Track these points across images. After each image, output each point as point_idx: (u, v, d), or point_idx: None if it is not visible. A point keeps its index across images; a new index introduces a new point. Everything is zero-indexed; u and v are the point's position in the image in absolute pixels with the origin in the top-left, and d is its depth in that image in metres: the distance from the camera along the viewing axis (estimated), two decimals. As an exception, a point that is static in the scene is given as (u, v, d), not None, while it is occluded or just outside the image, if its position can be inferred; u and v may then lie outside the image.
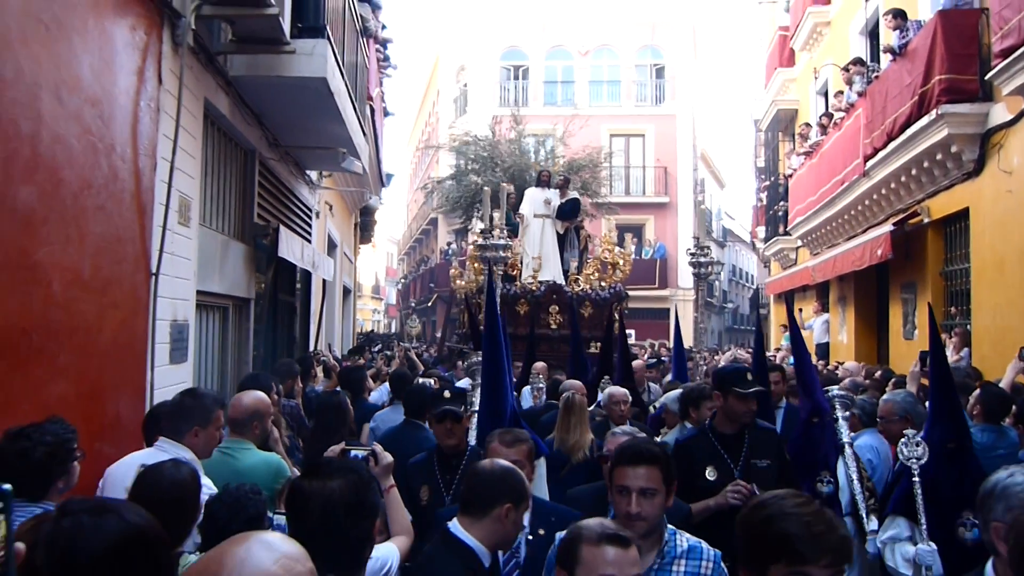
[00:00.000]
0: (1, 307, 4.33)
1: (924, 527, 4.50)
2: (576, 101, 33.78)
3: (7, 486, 1.46)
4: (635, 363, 11.62)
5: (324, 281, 15.57)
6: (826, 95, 20.38)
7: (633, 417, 7.44)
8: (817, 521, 2.34)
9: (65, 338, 5.03)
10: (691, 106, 35.96)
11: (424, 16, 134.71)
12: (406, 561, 3.72)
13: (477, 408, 6.31)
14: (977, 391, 6.43)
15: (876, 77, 14.32)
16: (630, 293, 16.77)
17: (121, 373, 5.91)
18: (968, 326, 11.64)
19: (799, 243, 21.44)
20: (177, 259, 6.90)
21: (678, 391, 7.43)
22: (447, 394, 5.21)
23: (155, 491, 3.21)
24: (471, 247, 17.12)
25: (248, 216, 9.96)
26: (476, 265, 15.58)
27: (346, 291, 23.05)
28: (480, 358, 6.95)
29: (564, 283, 15.17)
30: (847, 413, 6.08)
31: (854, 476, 5.71)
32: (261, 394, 5.28)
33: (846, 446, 5.84)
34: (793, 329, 7.33)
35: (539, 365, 10.22)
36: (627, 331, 11.45)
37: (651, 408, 9.37)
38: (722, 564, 3.52)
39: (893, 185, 13.77)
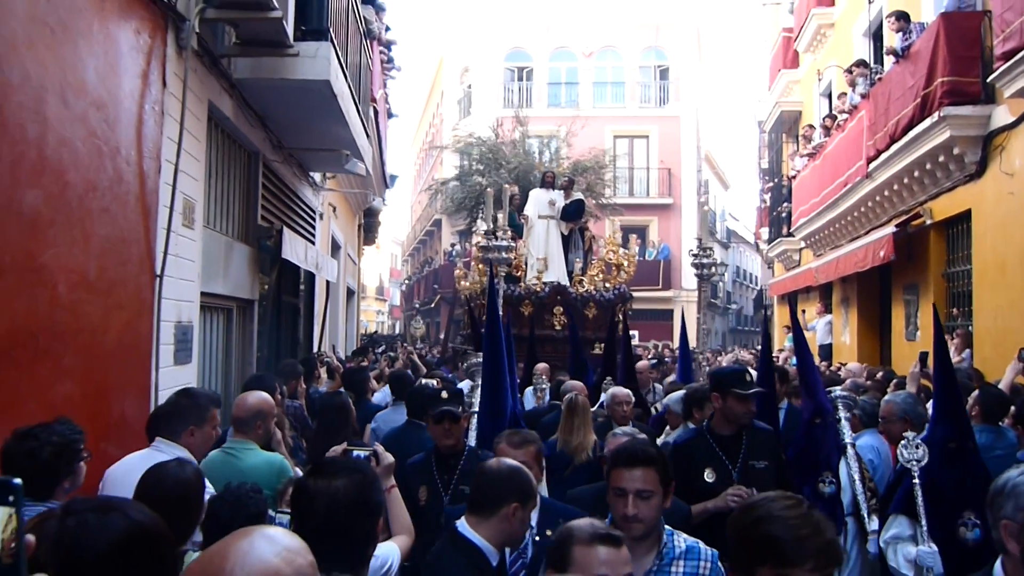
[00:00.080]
0: (8, 309, 4.36)
1: (925, 529, 4.52)
2: (580, 102, 33.83)
3: (17, 480, 1.50)
4: (640, 364, 11.67)
5: (328, 282, 15.58)
6: (830, 97, 20.40)
7: (635, 418, 7.47)
8: (803, 524, 2.35)
9: (71, 339, 5.07)
10: (695, 107, 35.95)
11: (428, 18, 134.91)
12: (405, 560, 3.75)
13: (476, 409, 6.33)
14: (976, 392, 6.45)
15: (879, 79, 14.31)
16: (634, 294, 16.76)
17: (126, 374, 5.94)
18: (970, 327, 11.66)
19: (802, 244, 21.44)
20: (181, 261, 6.93)
21: (681, 392, 7.46)
22: (444, 395, 5.24)
23: (160, 490, 3.23)
24: (475, 248, 17.14)
25: (252, 218, 9.98)
26: (480, 266, 15.60)
27: (350, 292, 23.03)
28: (478, 359, 6.99)
29: (569, 284, 15.19)
30: (849, 414, 6.12)
31: (856, 476, 5.74)
32: (265, 394, 5.30)
33: (848, 446, 5.88)
34: (796, 330, 7.37)
35: (541, 366, 10.24)
36: (631, 332, 11.48)
37: (654, 409, 9.39)
38: (719, 564, 3.52)
39: (896, 187, 13.77)
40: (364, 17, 11.47)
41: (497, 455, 4.25)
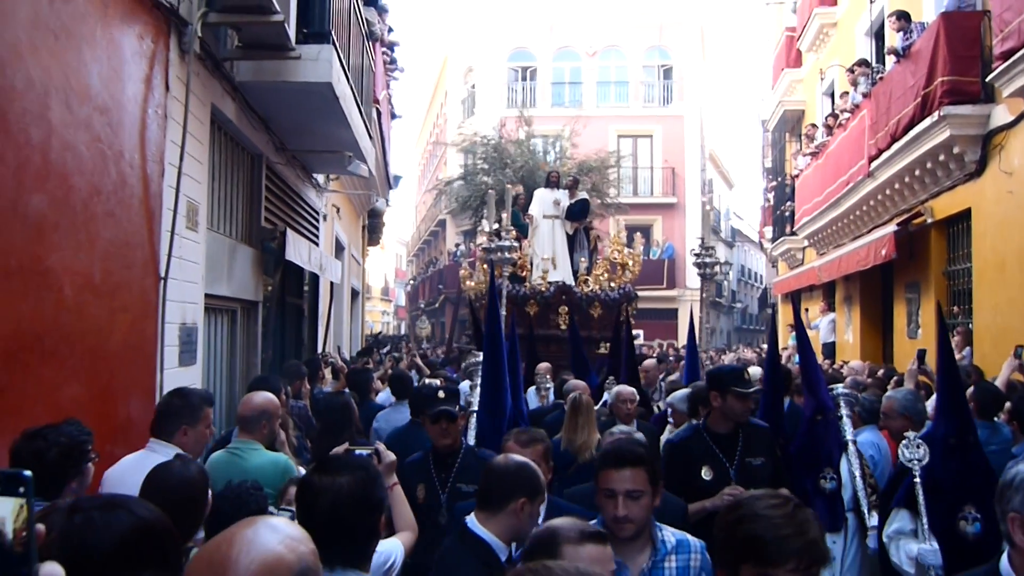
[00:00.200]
0: (14, 312, 4.41)
1: (927, 527, 4.55)
2: (584, 102, 33.84)
3: (27, 472, 1.55)
4: (647, 362, 11.72)
5: (332, 283, 15.61)
6: (832, 96, 20.40)
7: (639, 416, 7.51)
8: (786, 524, 2.35)
9: (76, 342, 5.11)
10: (699, 107, 35.93)
11: (432, 18, 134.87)
12: (407, 558, 3.80)
13: (475, 408, 6.36)
14: (971, 388, 6.50)
15: (880, 78, 14.34)
16: (638, 294, 16.77)
17: (131, 376, 5.98)
18: (970, 325, 11.71)
19: (805, 243, 21.45)
20: (185, 263, 6.97)
21: (685, 391, 7.49)
22: (441, 394, 5.26)
23: (165, 489, 3.25)
24: (479, 249, 17.16)
25: (255, 220, 10.01)
26: (484, 267, 15.61)
27: (354, 293, 23.04)
28: (476, 359, 7.02)
29: (574, 284, 15.21)
30: (850, 411, 6.17)
31: (857, 473, 5.78)
32: (271, 394, 5.32)
33: (849, 443, 5.92)
34: (799, 328, 7.41)
35: (544, 366, 10.27)
36: (636, 332, 11.51)
37: (656, 408, 9.42)
38: (707, 554, 3.53)
39: (897, 186, 13.80)
40: (366, 19, 11.49)
41: (504, 453, 4.27)
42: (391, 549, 3.55)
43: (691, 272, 26.53)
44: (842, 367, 13.57)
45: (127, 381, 5.90)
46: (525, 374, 9.93)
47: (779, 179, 24.86)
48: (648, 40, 35.45)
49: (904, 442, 4.83)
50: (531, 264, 15.52)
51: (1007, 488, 2.91)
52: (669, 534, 3.59)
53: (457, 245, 36.03)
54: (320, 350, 14.25)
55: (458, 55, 38.79)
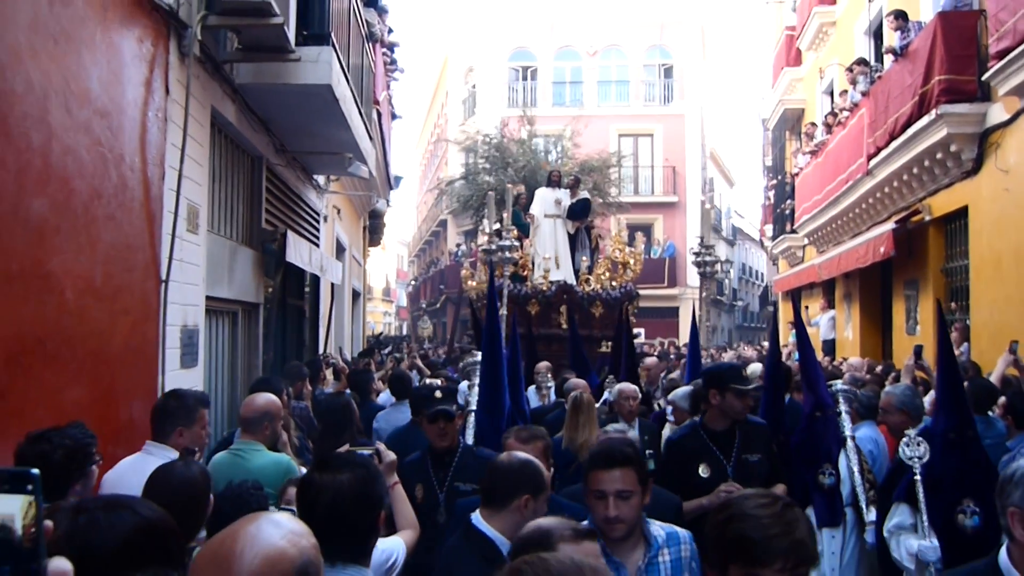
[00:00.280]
0: (16, 315, 4.43)
1: (927, 524, 4.58)
2: (584, 101, 33.83)
3: (35, 470, 1.59)
4: (649, 360, 11.75)
5: (332, 285, 15.61)
6: (832, 95, 20.43)
7: (640, 415, 7.54)
8: (773, 524, 2.33)
9: (78, 345, 5.12)
10: (699, 106, 35.95)
11: (432, 18, 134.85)
12: (408, 556, 3.82)
13: (474, 407, 6.39)
14: (965, 384, 6.55)
15: (879, 77, 14.38)
16: (639, 292, 16.78)
17: (133, 378, 5.99)
18: (968, 321, 11.76)
19: (805, 241, 21.49)
20: (186, 265, 6.97)
21: (687, 388, 7.52)
22: (438, 394, 5.28)
23: (167, 489, 3.27)
24: (480, 249, 17.17)
25: (256, 222, 10.01)
26: (485, 266, 15.61)
27: (355, 294, 23.03)
28: (474, 358, 7.04)
29: (575, 283, 15.22)
30: (848, 407, 6.20)
31: (855, 468, 5.82)
32: (273, 396, 5.34)
33: (848, 439, 5.96)
34: (798, 326, 7.45)
35: (544, 365, 10.28)
36: (637, 330, 11.53)
37: (657, 405, 9.44)
38: (694, 544, 3.56)
39: (895, 184, 13.85)
40: (366, 20, 11.49)
41: (505, 450, 4.30)
42: (393, 547, 3.58)
43: (692, 271, 26.51)
44: (842, 364, 13.60)
45: (129, 384, 5.90)
46: (525, 373, 9.99)
47: (779, 177, 24.89)
48: (649, 39, 35.42)
49: (904, 440, 4.85)
50: (532, 263, 15.52)
51: (1007, 483, 2.93)
52: (658, 527, 3.61)
53: (458, 245, 36.03)
54: (321, 351, 14.24)
55: (459, 55, 38.77)
